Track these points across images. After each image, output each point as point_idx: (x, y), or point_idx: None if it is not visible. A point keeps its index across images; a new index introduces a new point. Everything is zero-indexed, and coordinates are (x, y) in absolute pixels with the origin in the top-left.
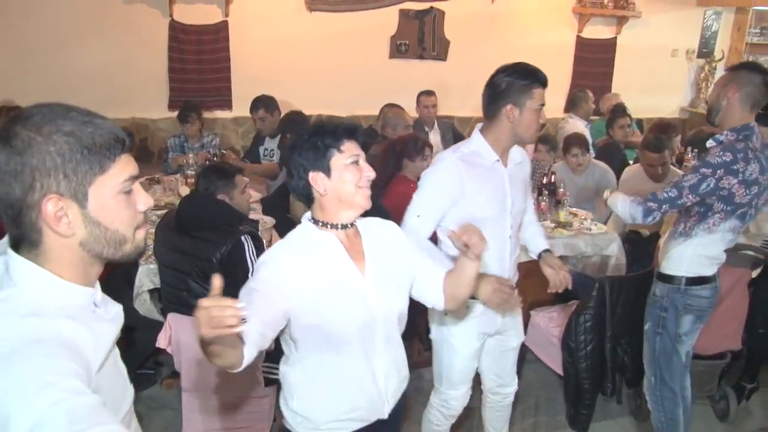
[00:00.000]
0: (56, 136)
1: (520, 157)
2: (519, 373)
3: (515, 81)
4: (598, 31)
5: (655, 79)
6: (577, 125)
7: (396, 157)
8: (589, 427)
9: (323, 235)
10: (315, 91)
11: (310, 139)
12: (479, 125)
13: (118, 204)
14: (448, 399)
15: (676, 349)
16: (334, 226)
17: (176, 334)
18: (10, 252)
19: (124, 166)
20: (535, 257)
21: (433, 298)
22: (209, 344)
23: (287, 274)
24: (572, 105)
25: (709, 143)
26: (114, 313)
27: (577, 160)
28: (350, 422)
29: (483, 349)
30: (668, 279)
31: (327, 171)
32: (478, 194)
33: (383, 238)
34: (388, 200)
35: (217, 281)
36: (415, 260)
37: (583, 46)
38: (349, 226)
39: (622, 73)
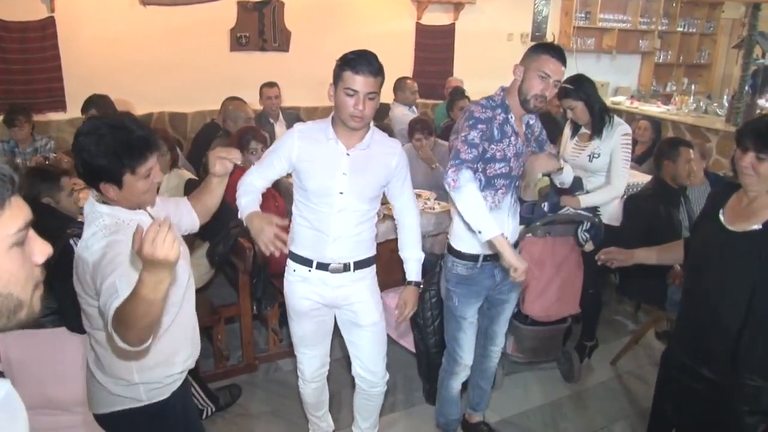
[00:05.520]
0: None
1: (367, 143)
2: None
3: (336, 65)
4: (436, 17)
5: (493, 62)
6: (400, 111)
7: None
8: None
9: (133, 216)
10: (155, 88)
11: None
12: None
13: (13, 261)
14: (299, 362)
15: None
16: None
17: (5, 351)
18: None
19: (17, 212)
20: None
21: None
22: None
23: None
24: (395, 93)
25: None
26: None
27: (421, 144)
28: (184, 373)
29: (340, 324)
30: None
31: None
32: (309, 165)
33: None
34: (229, 193)
35: None
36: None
37: (423, 32)
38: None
39: (462, 57)
